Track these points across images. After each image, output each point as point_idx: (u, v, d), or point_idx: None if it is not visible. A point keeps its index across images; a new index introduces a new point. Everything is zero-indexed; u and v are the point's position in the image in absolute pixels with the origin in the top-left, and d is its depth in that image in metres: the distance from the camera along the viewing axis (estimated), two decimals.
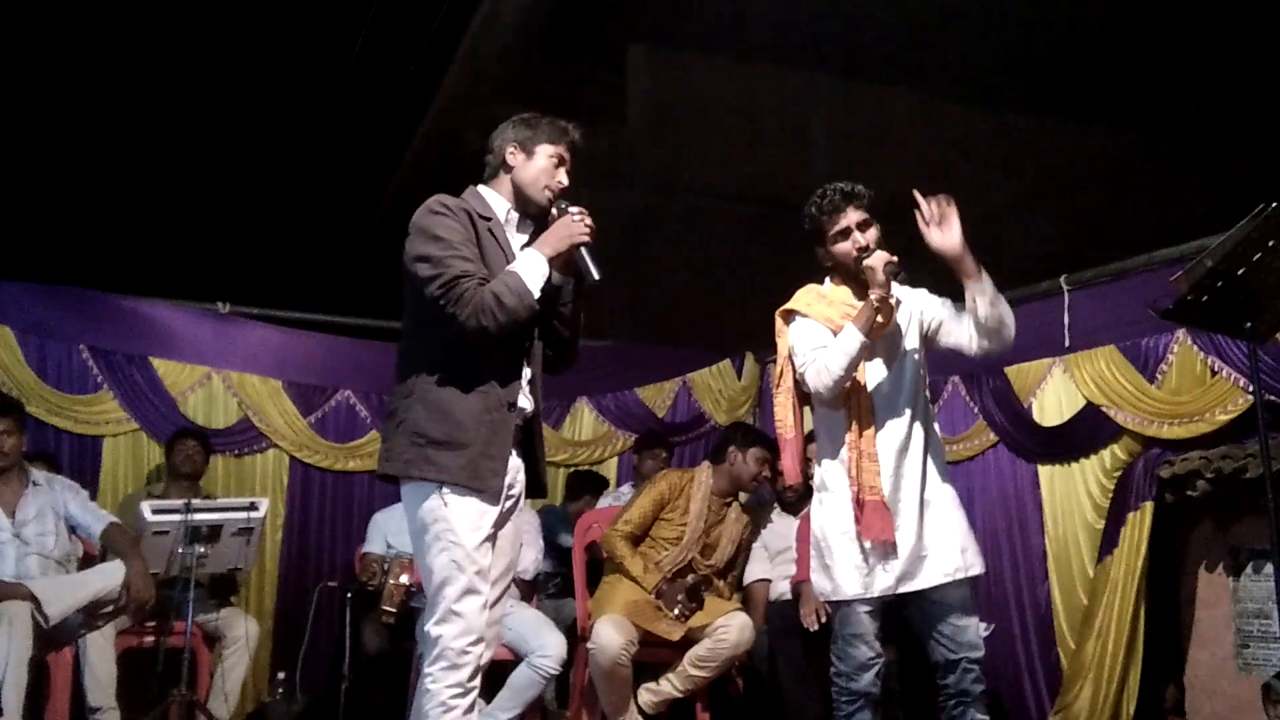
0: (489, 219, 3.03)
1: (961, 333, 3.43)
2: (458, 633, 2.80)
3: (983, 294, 3.26)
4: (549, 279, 2.95)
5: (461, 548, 2.83)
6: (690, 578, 4.89)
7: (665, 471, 5.44)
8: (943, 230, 3.21)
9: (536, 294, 2.88)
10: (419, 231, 2.92)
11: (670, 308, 8.53)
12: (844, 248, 3.44)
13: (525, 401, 3.03)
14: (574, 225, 2.94)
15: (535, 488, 3.15)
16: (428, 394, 2.89)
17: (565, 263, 2.97)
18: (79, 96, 7.87)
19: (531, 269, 2.90)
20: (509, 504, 3.01)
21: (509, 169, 3.09)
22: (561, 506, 6.18)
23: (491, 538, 2.91)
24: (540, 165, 3.06)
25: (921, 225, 3.22)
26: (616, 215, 8.50)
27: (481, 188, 3.13)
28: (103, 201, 9.42)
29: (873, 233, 3.43)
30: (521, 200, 3.09)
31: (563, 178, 3.08)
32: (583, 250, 2.94)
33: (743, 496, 5.29)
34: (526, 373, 3.03)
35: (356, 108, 8.10)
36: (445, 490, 2.84)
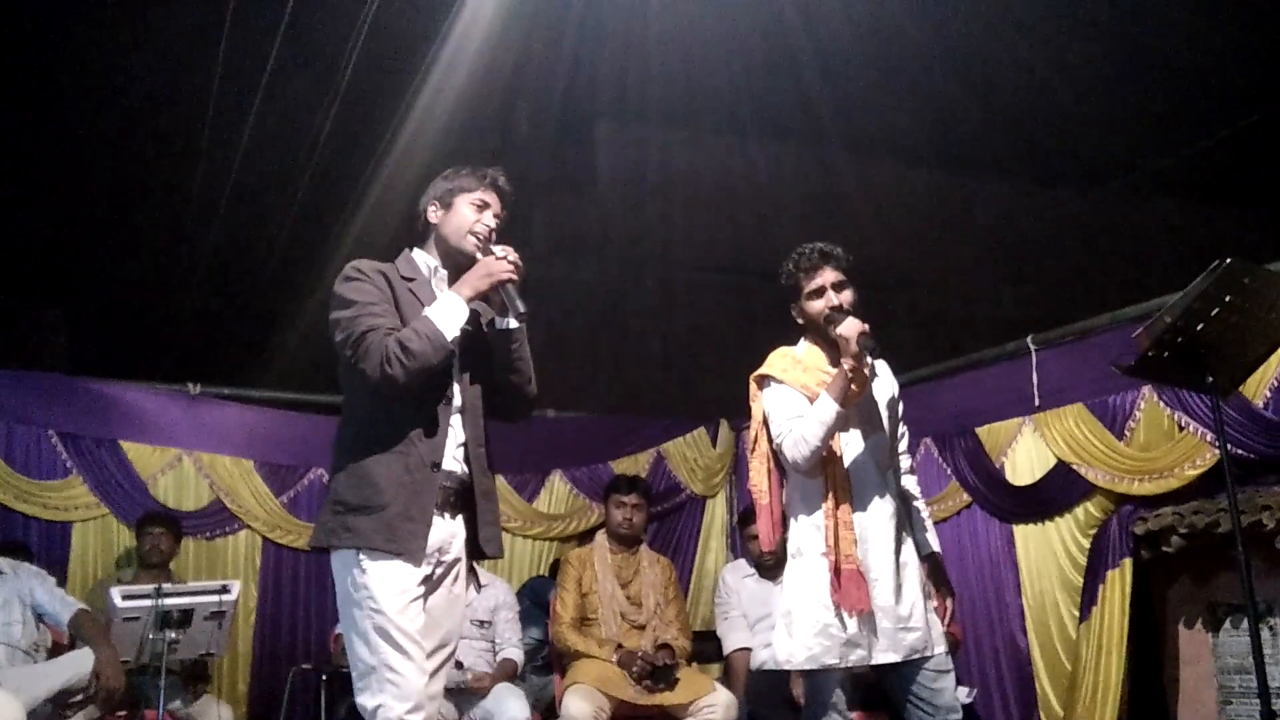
0: (412, 279, 2.98)
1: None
2: (393, 698, 2.67)
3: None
4: (492, 325, 2.94)
5: (383, 614, 2.71)
6: (648, 649, 4.91)
7: (568, 553, 5.47)
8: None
9: (450, 336, 2.80)
10: (333, 299, 2.88)
11: (644, 377, 8.55)
12: (817, 306, 3.45)
13: (455, 465, 2.90)
14: (494, 264, 2.88)
15: (474, 548, 2.96)
16: (349, 462, 2.83)
17: (498, 305, 2.93)
18: (44, 182, 7.91)
19: (445, 312, 2.82)
20: (440, 570, 2.88)
21: (433, 226, 3.05)
22: (551, 578, 6.14)
23: (420, 600, 2.79)
24: (461, 214, 3.01)
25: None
26: (591, 287, 8.59)
27: (414, 251, 3.09)
28: (72, 285, 9.43)
29: (847, 295, 3.45)
30: (451, 255, 3.02)
31: (488, 220, 3.01)
32: (508, 286, 2.88)
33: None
34: (459, 435, 2.93)
35: (324, 189, 8.17)
36: (363, 556, 2.74)
